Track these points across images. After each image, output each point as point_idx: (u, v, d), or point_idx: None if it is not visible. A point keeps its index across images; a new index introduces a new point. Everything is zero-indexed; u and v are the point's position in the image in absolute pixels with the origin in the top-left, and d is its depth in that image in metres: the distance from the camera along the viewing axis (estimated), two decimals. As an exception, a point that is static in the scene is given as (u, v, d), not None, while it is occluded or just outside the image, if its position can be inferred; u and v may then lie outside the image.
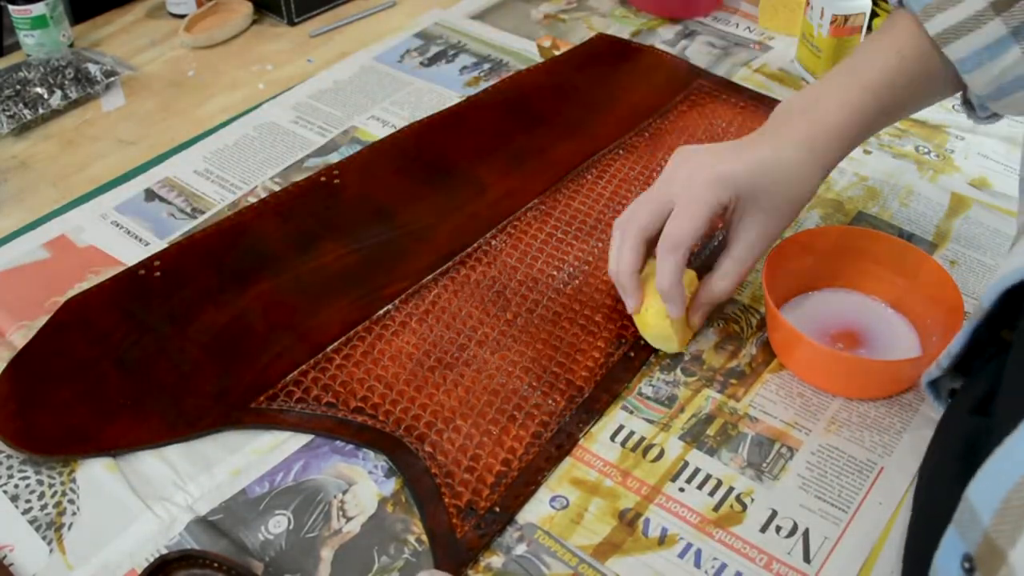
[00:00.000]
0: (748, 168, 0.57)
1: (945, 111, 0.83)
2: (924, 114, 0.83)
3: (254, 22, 0.98)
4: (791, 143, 0.58)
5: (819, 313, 0.62)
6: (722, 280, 0.60)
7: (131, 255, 0.68)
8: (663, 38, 0.94)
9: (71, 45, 0.92)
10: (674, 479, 0.54)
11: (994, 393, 0.43)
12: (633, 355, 0.61)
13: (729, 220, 0.60)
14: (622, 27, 0.96)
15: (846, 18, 0.83)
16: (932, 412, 0.57)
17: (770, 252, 0.60)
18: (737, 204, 0.58)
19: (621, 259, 0.59)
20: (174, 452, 0.55)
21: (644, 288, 0.59)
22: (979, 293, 0.62)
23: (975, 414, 0.45)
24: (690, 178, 0.57)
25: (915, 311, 0.61)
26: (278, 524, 0.51)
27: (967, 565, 0.35)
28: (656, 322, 0.58)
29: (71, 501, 0.52)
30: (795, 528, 0.51)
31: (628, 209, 0.60)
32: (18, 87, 0.82)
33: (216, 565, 0.48)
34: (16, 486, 0.53)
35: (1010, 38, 0.55)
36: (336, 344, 0.60)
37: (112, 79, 0.86)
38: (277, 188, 0.74)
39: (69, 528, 0.51)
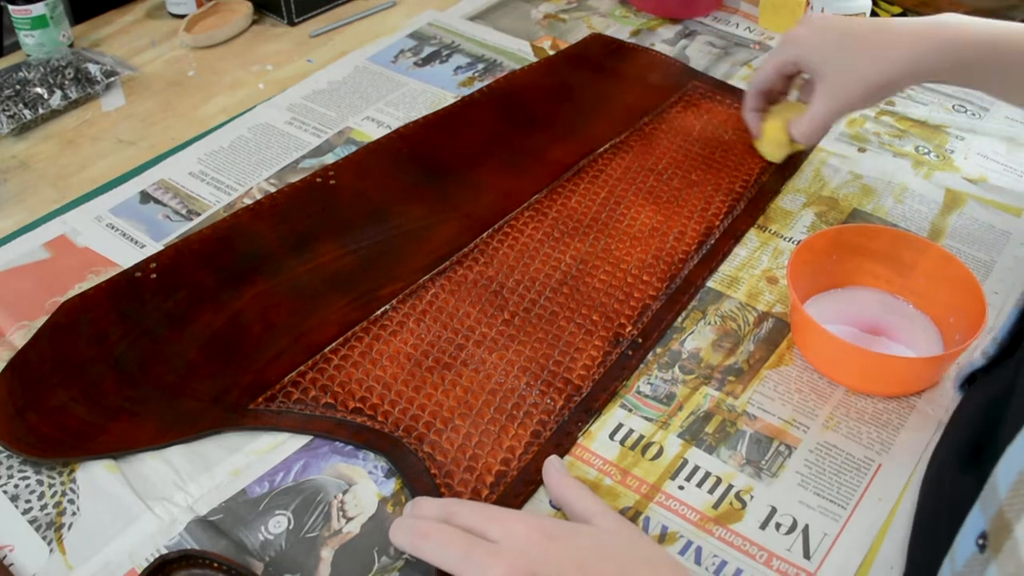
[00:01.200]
0: (819, 40, 0.69)
1: (945, 111, 0.84)
2: (924, 114, 0.83)
3: (254, 22, 0.98)
4: (894, 50, 0.66)
5: (842, 309, 0.63)
6: (796, 125, 0.73)
7: (127, 258, 0.68)
8: (663, 38, 0.94)
9: (71, 45, 0.92)
10: (673, 477, 0.54)
11: (1013, 387, 0.44)
12: (631, 353, 0.61)
13: (808, 80, 0.74)
14: (622, 27, 0.96)
15: (847, 17, 0.82)
16: (929, 409, 0.57)
17: (795, 248, 0.61)
18: (808, 68, 0.71)
19: (751, 88, 0.76)
20: (174, 452, 0.55)
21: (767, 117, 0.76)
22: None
23: (994, 405, 0.46)
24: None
25: (937, 310, 0.62)
26: (278, 524, 0.51)
27: (981, 542, 0.36)
28: (767, 136, 0.76)
29: (71, 501, 0.52)
30: (795, 525, 0.52)
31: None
32: (18, 87, 0.82)
33: (216, 565, 0.48)
34: (16, 486, 0.53)
35: None
36: (334, 345, 0.60)
37: (112, 79, 0.86)
38: (272, 189, 0.74)
39: (69, 528, 0.51)
